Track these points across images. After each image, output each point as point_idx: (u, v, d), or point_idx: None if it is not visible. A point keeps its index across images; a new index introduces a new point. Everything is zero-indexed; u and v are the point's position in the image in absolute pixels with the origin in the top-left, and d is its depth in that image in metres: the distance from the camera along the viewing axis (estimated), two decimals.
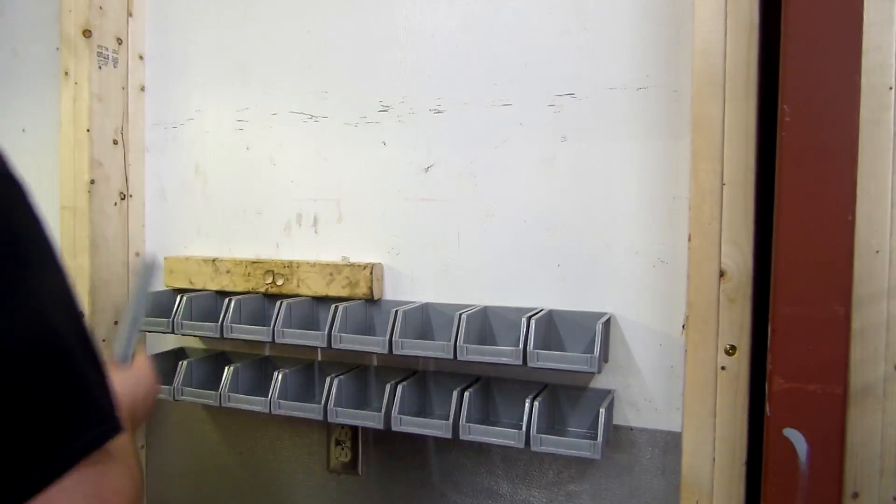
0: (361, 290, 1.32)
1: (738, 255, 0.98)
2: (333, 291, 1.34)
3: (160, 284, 1.51)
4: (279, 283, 1.38)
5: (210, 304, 1.43)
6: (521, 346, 1.10)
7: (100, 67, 1.45)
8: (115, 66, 1.49)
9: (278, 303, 1.28)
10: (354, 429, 1.39)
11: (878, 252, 0.94)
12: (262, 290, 1.40)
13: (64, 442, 0.51)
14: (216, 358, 1.48)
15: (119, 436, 0.56)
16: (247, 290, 1.41)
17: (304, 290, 1.37)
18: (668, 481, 1.17)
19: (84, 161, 1.44)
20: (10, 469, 0.48)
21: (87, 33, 1.43)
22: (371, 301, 1.33)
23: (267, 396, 1.28)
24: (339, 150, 1.38)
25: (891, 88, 0.93)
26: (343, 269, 1.33)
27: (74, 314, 0.57)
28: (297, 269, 1.37)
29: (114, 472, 0.57)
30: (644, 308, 1.17)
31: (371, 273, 1.32)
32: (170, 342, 1.54)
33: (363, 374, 1.36)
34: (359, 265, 1.33)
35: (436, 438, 1.32)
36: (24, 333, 0.50)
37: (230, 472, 1.53)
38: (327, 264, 1.35)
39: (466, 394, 1.16)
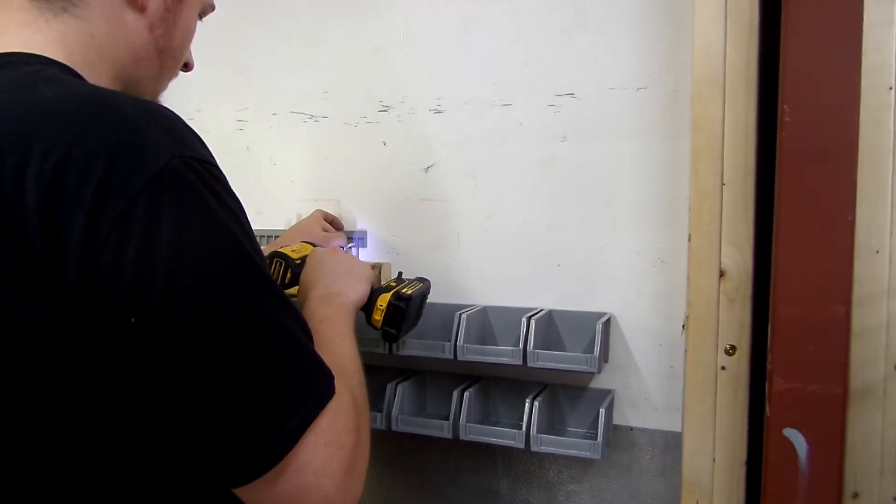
0: None
1: (737, 255, 0.97)
2: None
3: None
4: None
5: None
6: (521, 346, 1.10)
7: None
8: None
9: None
10: None
11: (878, 252, 0.94)
12: None
13: (295, 411, 0.59)
14: None
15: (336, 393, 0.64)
16: None
17: None
18: (668, 481, 1.17)
19: None
20: (259, 436, 0.57)
21: None
22: None
23: None
24: (339, 150, 1.38)
25: (891, 88, 0.93)
26: None
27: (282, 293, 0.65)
28: None
29: (341, 408, 0.64)
30: (644, 308, 1.17)
31: (379, 273, 1.31)
32: None
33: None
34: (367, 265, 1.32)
35: (436, 438, 1.32)
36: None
37: None
38: None
39: (466, 394, 1.16)
